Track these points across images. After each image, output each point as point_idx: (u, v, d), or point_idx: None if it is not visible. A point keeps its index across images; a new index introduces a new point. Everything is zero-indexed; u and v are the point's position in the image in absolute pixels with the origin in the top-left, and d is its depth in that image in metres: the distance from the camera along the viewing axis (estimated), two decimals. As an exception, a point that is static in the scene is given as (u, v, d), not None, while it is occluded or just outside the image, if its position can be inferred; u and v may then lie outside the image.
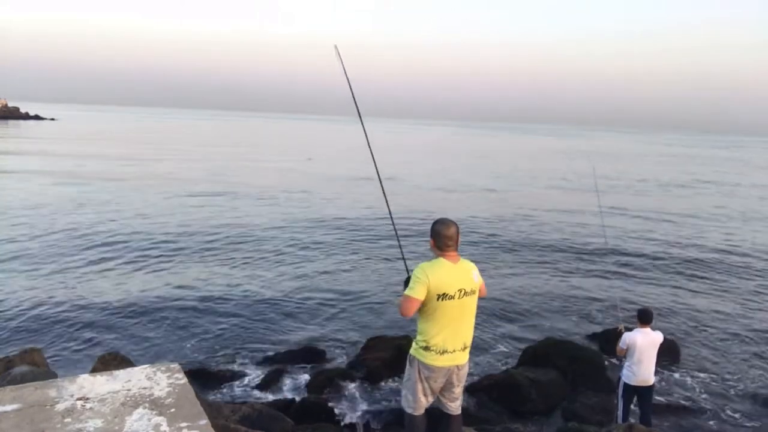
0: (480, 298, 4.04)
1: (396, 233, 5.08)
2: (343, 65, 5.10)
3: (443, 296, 3.76)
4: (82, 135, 70.24)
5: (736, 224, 23.02)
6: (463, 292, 3.81)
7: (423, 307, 3.85)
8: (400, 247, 4.84)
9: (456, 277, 3.81)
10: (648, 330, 6.18)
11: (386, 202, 5.06)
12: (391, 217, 5.04)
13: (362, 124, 5.37)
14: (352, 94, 5.25)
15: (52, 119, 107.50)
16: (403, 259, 4.66)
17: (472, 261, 4.05)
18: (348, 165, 41.51)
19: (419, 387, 4.01)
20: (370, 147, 5.20)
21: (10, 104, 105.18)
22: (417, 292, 3.74)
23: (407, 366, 4.10)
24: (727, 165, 62.77)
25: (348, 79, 5.21)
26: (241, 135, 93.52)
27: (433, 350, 3.88)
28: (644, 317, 6.23)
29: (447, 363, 3.91)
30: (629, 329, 6.40)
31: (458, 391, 4.12)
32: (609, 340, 8.70)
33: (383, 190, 5.16)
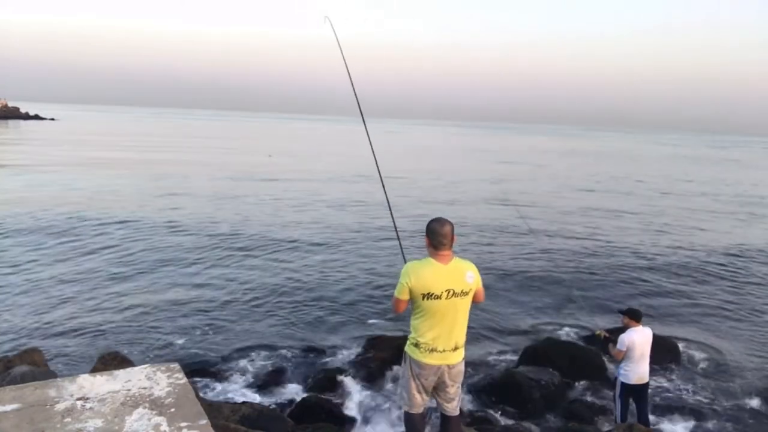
0: (476, 303, 4.04)
1: (396, 231, 5.06)
2: (336, 36, 5.03)
3: (428, 296, 3.79)
4: (80, 134, 70.27)
5: (736, 223, 23.01)
6: (451, 292, 3.80)
7: (413, 305, 3.92)
8: (400, 245, 4.85)
9: (443, 278, 3.80)
10: (641, 327, 6.23)
11: (387, 199, 5.06)
12: (392, 214, 5.03)
13: (363, 118, 5.30)
14: (349, 74, 5.13)
15: (52, 119, 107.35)
16: (403, 257, 4.66)
17: (468, 260, 4.04)
18: (312, 162, 42.17)
19: (412, 384, 4.03)
20: (371, 144, 5.18)
21: (10, 104, 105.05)
22: (399, 292, 3.85)
23: (402, 363, 4.13)
24: (724, 165, 62.77)
25: (342, 53, 5.10)
26: (229, 133, 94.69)
27: (422, 348, 3.90)
28: (637, 315, 6.27)
29: (437, 361, 3.92)
30: (611, 331, 6.42)
31: (453, 391, 4.10)
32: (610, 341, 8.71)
33: (384, 187, 5.15)
